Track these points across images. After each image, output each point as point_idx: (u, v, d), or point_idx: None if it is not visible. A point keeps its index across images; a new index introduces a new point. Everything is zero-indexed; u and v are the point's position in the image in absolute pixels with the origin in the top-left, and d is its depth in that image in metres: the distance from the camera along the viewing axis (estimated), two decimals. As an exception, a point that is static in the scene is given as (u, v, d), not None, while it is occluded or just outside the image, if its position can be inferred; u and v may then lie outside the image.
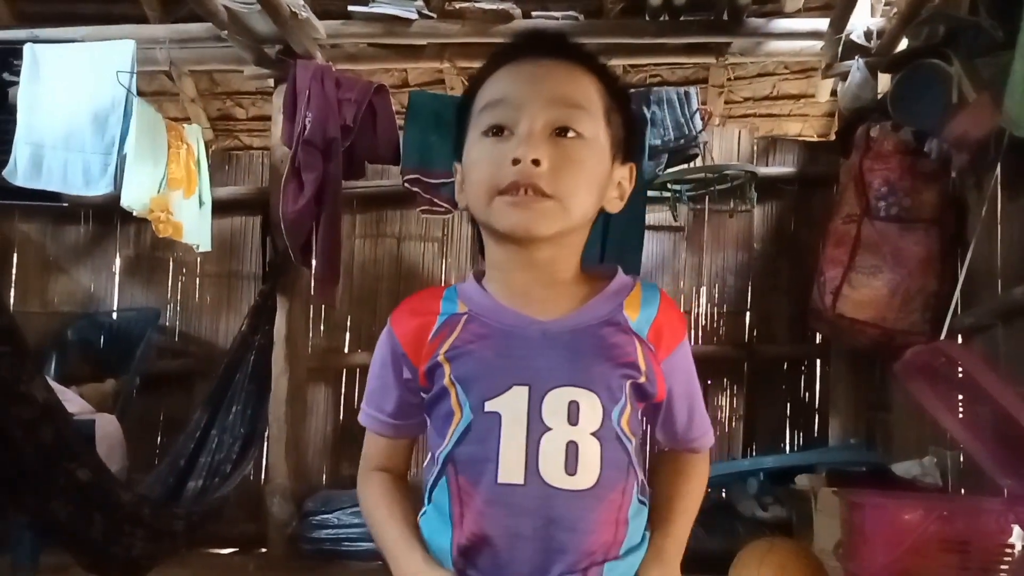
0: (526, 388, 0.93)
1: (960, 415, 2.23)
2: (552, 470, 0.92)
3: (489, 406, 0.94)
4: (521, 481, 0.91)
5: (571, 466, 0.92)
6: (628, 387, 0.96)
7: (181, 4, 3.60)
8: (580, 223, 0.98)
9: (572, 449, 0.92)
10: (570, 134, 0.95)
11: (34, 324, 4.32)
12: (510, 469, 0.92)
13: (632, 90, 3.88)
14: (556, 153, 0.93)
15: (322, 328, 4.47)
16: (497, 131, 0.96)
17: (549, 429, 0.92)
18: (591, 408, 0.93)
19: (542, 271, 0.99)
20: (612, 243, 3.39)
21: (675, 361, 1.01)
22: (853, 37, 3.55)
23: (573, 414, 0.93)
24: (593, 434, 0.93)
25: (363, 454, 1.08)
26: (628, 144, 1.03)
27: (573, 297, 1.00)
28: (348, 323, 4.50)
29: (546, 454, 0.92)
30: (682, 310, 4.19)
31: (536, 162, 0.92)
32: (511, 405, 0.93)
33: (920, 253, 3.05)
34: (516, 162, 0.92)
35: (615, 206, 1.03)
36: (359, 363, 4.42)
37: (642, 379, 0.96)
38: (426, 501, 0.99)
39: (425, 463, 1.01)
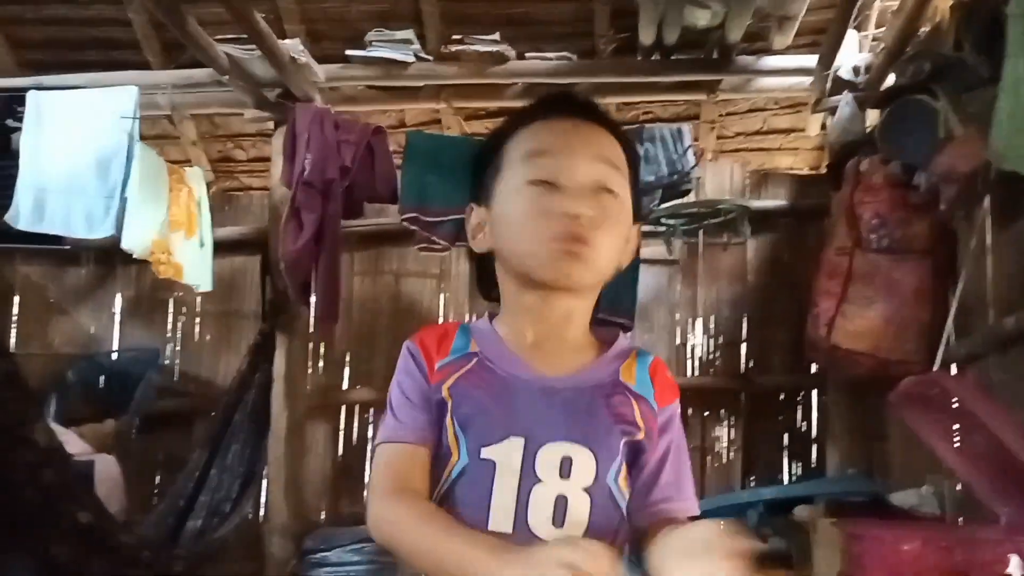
0: (522, 440, 0.96)
1: (956, 444, 2.24)
2: (540, 522, 0.94)
3: (485, 453, 0.96)
4: (510, 530, 0.93)
5: (559, 519, 0.94)
6: (624, 445, 0.99)
7: (183, 50, 3.66)
8: (607, 277, 1.04)
9: (561, 503, 0.94)
10: (610, 192, 1.00)
11: (35, 366, 4.31)
12: (500, 518, 0.94)
13: (625, 128, 3.93)
14: (598, 209, 0.99)
15: (321, 365, 4.48)
16: (544, 182, 0.99)
17: (540, 482, 0.95)
18: (585, 464, 0.96)
19: (556, 323, 1.03)
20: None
21: (663, 419, 1.03)
22: (841, 73, 3.61)
23: (566, 469, 0.95)
24: (585, 490, 0.95)
25: (376, 478, 1.00)
26: (636, 205, 1.09)
27: (578, 357, 1.04)
28: (347, 359, 4.51)
29: (535, 506, 0.94)
30: (678, 342, 4.30)
31: (584, 216, 0.97)
32: (506, 455, 0.95)
33: (912, 284, 3.08)
34: (567, 215, 0.97)
35: (624, 262, 1.07)
36: (358, 399, 4.43)
37: (640, 435, 0.99)
38: None
39: None
